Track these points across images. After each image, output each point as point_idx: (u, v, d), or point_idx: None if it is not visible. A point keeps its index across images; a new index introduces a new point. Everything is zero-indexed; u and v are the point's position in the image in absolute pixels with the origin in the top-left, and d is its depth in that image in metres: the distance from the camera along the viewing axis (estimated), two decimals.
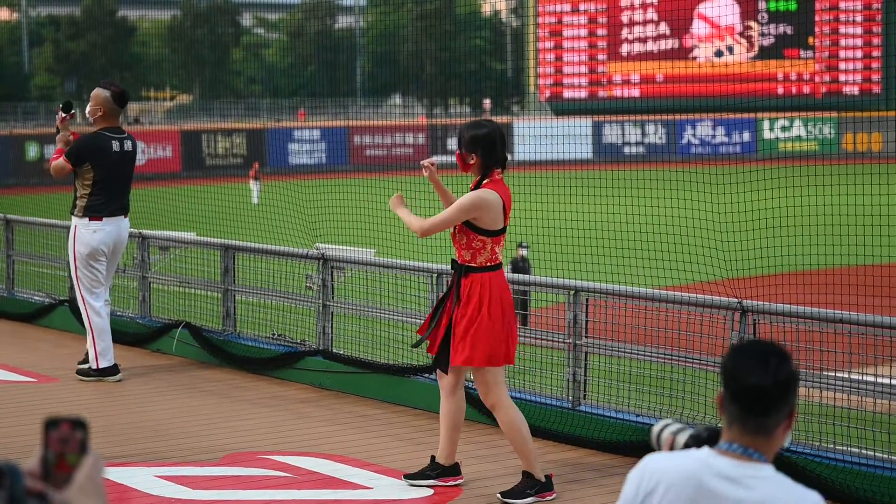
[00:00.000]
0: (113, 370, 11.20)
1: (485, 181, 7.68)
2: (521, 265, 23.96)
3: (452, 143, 8.83)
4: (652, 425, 8.58)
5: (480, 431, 9.25)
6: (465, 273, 7.70)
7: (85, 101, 11.59)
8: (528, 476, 7.79)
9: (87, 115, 11.21)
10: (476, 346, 7.64)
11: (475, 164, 7.69)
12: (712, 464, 3.26)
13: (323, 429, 9.58)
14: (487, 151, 7.64)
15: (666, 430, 3.56)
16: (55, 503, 2.10)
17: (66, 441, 2.16)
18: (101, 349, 11.15)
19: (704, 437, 3.41)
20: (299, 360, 11.14)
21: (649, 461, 3.36)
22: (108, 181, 11.04)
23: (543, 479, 7.81)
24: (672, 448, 3.52)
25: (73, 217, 11.17)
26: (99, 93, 11.11)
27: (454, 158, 7.84)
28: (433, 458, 8.09)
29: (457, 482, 8.06)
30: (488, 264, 7.68)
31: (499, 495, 7.80)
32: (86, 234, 11.06)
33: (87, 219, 11.06)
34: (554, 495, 7.84)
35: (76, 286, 11.26)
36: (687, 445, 3.45)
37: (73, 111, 11.16)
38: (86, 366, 11.27)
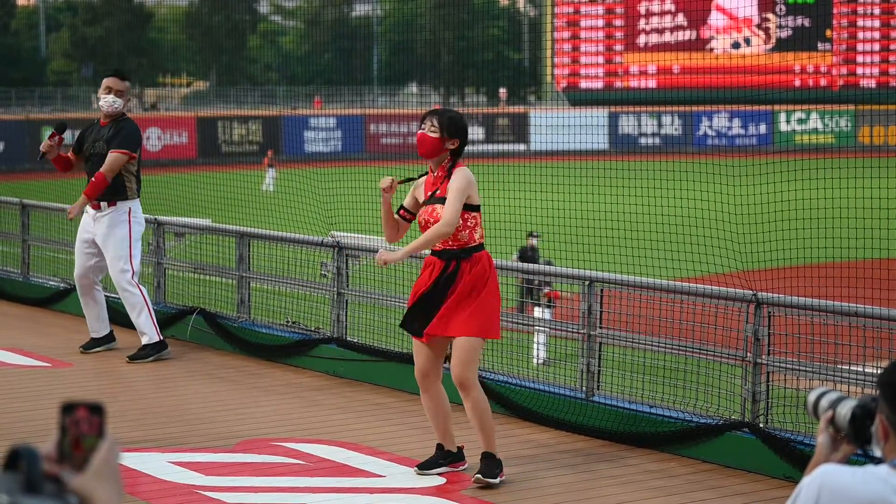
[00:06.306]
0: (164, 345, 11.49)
1: (458, 163, 7.91)
2: (529, 254, 23.94)
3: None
4: (663, 417, 8.60)
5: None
6: (469, 254, 7.81)
7: (98, 86, 11.70)
8: (491, 456, 7.85)
9: (111, 105, 11.22)
10: (481, 320, 7.77)
11: (454, 148, 7.91)
12: None
13: (336, 416, 9.59)
14: (465, 140, 7.95)
15: (823, 398, 3.25)
16: (71, 487, 2.10)
17: (84, 424, 2.16)
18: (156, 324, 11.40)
19: (873, 407, 3.11)
20: (313, 347, 11.15)
21: (827, 478, 3.09)
22: (140, 164, 11.45)
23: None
24: (833, 420, 3.21)
25: (120, 202, 11.26)
26: (124, 83, 11.33)
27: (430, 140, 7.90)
28: (440, 445, 8.12)
29: (463, 467, 8.11)
30: (482, 241, 7.90)
31: (478, 476, 7.78)
32: (140, 214, 11.41)
33: (138, 200, 11.42)
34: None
35: (127, 270, 11.24)
36: (854, 416, 3.17)
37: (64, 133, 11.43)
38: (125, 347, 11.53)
